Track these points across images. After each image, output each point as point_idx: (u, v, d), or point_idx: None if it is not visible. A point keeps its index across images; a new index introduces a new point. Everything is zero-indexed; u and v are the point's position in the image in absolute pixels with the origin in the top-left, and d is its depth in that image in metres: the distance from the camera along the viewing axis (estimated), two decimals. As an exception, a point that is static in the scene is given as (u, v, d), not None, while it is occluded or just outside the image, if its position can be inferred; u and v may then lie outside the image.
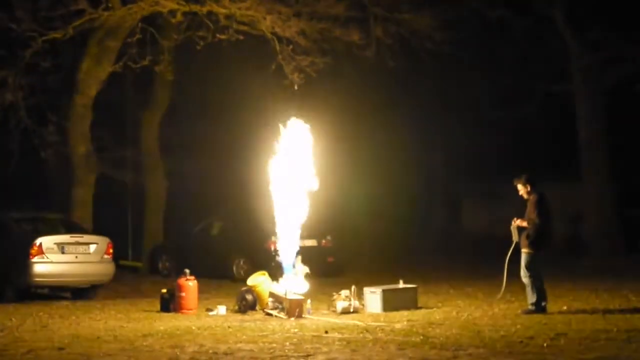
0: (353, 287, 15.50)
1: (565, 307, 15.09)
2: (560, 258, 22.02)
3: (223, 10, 21.40)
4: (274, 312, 14.95)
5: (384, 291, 15.53)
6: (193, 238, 24.99)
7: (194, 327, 13.42)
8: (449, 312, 15.03)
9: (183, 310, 15.88)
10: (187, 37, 22.34)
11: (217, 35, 21.57)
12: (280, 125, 15.86)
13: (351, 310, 15.23)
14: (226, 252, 23.43)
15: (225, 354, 10.79)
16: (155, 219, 27.34)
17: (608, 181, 27.45)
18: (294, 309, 14.72)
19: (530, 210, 14.45)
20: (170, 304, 16.15)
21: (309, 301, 15.18)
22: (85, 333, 13.06)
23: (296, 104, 17.20)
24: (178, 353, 10.89)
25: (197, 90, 29.43)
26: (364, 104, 30.37)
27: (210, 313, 15.78)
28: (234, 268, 23.23)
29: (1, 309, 16.70)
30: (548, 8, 26.63)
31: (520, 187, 14.70)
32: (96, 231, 20.88)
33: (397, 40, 23.35)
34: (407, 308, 15.38)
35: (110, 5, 21.22)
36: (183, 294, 16.01)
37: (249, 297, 15.84)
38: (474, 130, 32.03)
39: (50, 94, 23.62)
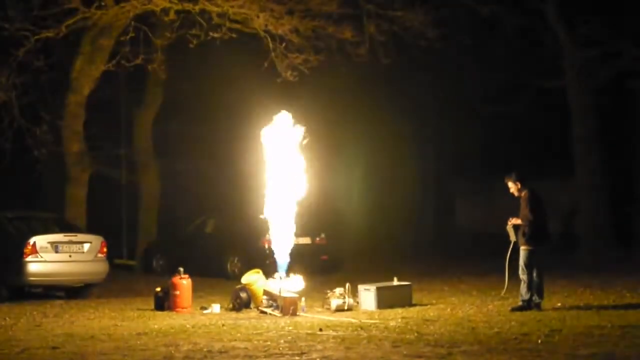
0: (347, 285, 15.51)
1: (559, 304, 15.11)
2: (554, 254, 22.04)
3: (216, 9, 21.38)
4: (269, 310, 14.96)
5: (378, 288, 15.54)
6: (187, 236, 24.97)
7: (188, 326, 13.41)
8: (443, 309, 15.05)
9: (177, 309, 15.87)
10: (180, 35, 22.30)
11: (210, 34, 21.53)
12: (271, 118, 15.86)
13: (345, 307, 15.25)
14: (220, 250, 23.41)
15: (220, 352, 10.79)
16: (149, 218, 27.33)
17: (601, 177, 27.46)
18: (288, 306, 14.73)
19: (524, 207, 14.46)
20: (164, 302, 16.14)
21: (303, 299, 15.20)
22: (79, 332, 13.04)
23: (288, 100, 17.15)
24: (172, 351, 10.88)
25: (190, 88, 29.41)
26: (356, 101, 30.39)
27: (205, 311, 15.78)
28: (228, 266, 23.22)
29: (-5, 309, 16.69)
30: (540, 4, 26.63)
31: (510, 184, 14.70)
32: (90, 230, 20.87)
33: (390, 37, 23.37)
34: (402, 305, 15.38)
35: (103, 3, 21.19)
36: (177, 293, 16.00)
37: (243, 295, 15.85)
38: (466, 127, 32.04)
39: (43, 92, 23.59)
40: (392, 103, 31.45)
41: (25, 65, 21.66)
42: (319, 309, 15.42)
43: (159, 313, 15.76)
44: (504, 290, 15.46)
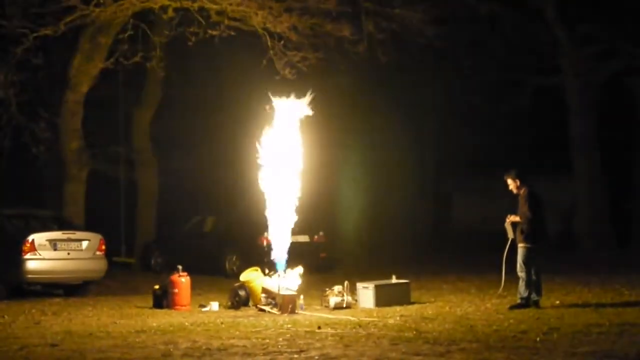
0: (346, 283, 15.53)
1: (557, 302, 15.12)
2: (552, 252, 22.06)
3: (214, 6, 21.36)
4: (267, 308, 14.97)
5: (376, 286, 15.55)
6: (185, 234, 24.97)
7: (187, 323, 13.42)
8: (441, 307, 15.06)
9: (176, 307, 15.86)
10: (179, 33, 22.29)
11: (209, 31, 21.51)
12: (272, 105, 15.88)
13: (344, 305, 15.26)
14: (219, 248, 23.42)
15: (219, 349, 10.80)
16: (147, 215, 27.33)
17: (600, 175, 27.51)
18: (286, 304, 14.74)
19: (522, 204, 14.47)
20: (163, 300, 16.14)
21: (301, 297, 15.20)
22: (78, 329, 13.04)
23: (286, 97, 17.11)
24: (171, 349, 10.89)
25: (189, 86, 29.39)
26: (354, 100, 30.35)
27: (203, 309, 15.78)
28: (227, 264, 23.22)
29: (-6, 306, 16.69)
30: (539, 1, 26.65)
31: (509, 181, 14.71)
32: (88, 227, 20.86)
33: (389, 35, 23.35)
34: (400, 303, 15.40)
35: (101, 1, 21.15)
36: (176, 290, 15.99)
37: (242, 293, 15.86)
38: (464, 125, 32.02)
39: (41, 90, 23.56)
40: (391, 101, 31.43)
41: (24, 63, 21.63)
42: (318, 307, 15.43)
43: (158, 311, 15.76)
44: (501, 287, 15.47)
